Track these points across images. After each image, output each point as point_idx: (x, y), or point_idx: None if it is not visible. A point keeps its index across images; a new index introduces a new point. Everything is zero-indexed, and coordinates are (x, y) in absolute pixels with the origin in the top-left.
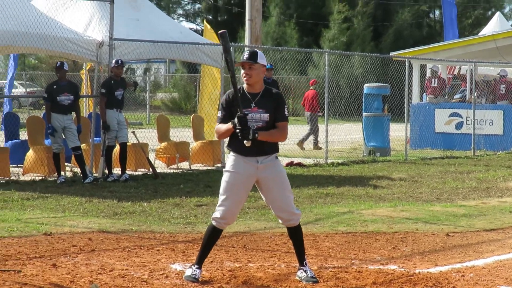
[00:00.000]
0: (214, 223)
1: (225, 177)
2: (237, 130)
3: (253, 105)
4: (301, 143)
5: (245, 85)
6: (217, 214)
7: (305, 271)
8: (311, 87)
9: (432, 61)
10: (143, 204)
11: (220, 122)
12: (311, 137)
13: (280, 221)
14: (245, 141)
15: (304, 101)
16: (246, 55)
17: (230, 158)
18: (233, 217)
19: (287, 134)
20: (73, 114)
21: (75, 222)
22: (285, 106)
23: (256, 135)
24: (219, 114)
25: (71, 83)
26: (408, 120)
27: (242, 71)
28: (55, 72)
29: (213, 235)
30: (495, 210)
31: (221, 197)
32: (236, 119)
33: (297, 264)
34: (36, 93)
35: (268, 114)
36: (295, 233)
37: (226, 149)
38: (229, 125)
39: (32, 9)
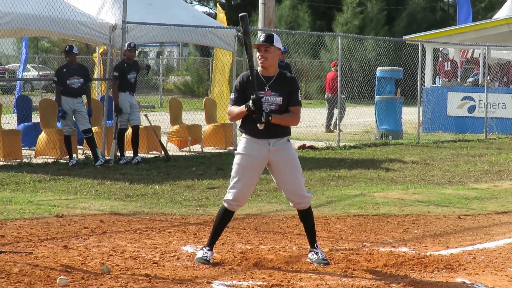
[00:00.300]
0: (225, 205)
1: (237, 159)
2: (253, 114)
3: (267, 88)
4: (334, 126)
5: (259, 68)
6: (229, 196)
7: (316, 253)
8: (332, 69)
9: (445, 45)
10: (155, 187)
11: (233, 104)
12: (325, 120)
13: (291, 203)
14: (258, 124)
15: (326, 83)
16: (262, 37)
17: (242, 141)
18: (244, 199)
19: (300, 118)
20: (84, 97)
21: (87, 204)
22: (299, 90)
23: (270, 118)
24: (232, 96)
25: (81, 66)
26: (421, 104)
27: (258, 54)
28: (65, 56)
29: (225, 217)
30: (507, 193)
31: (233, 179)
32: (250, 102)
33: (309, 247)
34: (49, 76)
35: (281, 98)
36: (306, 216)
37: (238, 132)
38: (242, 108)
39: None
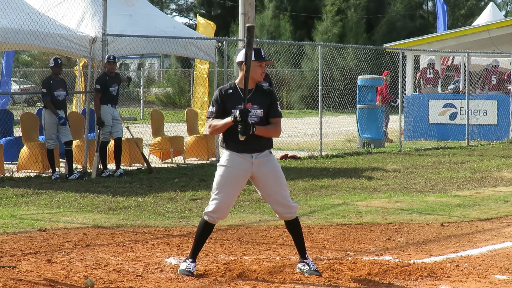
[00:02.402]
0: (206, 218)
1: (219, 171)
2: (239, 125)
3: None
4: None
5: (237, 82)
6: (210, 208)
7: (307, 264)
8: (383, 78)
9: (425, 52)
10: (137, 199)
11: (214, 118)
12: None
13: (277, 215)
14: (240, 135)
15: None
16: (263, 53)
17: (225, 153)
18: (225, 212)
19: (281, 129)
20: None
21: (70, 217)
22: (277, 102)
23: (254, 129)
24: (212, 109)
25: (62, 79)
26: (402, 111)
27: (259, 70)
28: (54, 68)
29: (206, 230)
30: (490, 199)
31: (214, 191)
32: (237, 112)
33: (292, 256)
34: (30, 90)
35: (262, 110)
36: (294, 226)
37: (220, 142)
38: (228, 119)
39: (24, 6)
